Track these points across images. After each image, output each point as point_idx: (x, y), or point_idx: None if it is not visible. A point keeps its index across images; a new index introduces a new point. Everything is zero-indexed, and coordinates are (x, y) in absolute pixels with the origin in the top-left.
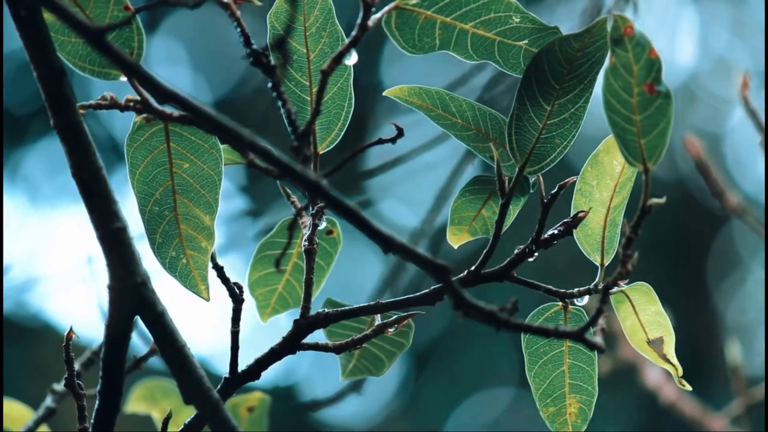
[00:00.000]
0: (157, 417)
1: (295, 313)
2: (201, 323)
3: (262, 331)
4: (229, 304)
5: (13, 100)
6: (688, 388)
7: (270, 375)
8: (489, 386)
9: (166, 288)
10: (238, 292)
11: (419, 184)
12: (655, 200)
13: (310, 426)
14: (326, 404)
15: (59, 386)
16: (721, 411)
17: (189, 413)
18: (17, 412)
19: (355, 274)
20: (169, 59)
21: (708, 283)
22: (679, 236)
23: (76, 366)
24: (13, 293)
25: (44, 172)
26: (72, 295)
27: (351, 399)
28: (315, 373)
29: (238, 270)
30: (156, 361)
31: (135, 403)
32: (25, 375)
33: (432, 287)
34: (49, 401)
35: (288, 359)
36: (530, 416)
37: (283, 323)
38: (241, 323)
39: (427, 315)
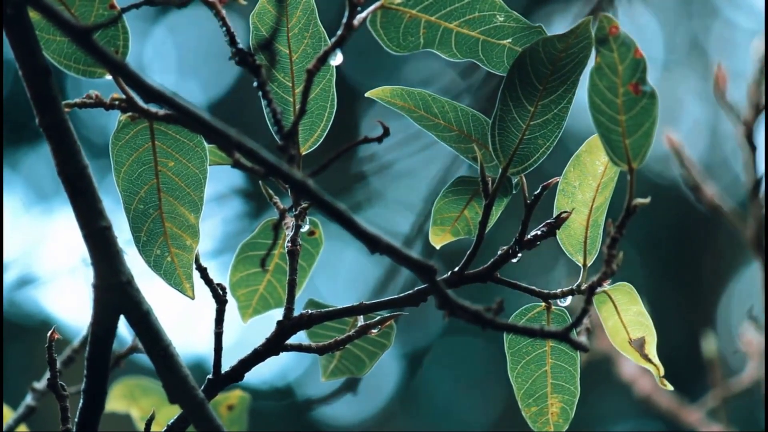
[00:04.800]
0: (137, 415)
1: (279, 311)
2: (195, 322)
3: (253, 331)
4: (213, 306)
5: (13, 100)
6: (669, 387)
7: (266, 375)
8: (484, 386)
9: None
10: (221, 293)
11: (413, 185)
12: (639, 200)
13: (305, 425)
14: (321, 403)
15: (40, 384)
16: (697, 403)
17: (169, 411)
18: None
19: (342, 274)
20: (159, 62)
21: (703, 280)
22: (674, 234)
23: (57, 364)
24: (10, 292)
25: (43, 171)
26: (69, 294)
27: (346, 398)
28: (310, 372)
29: (225, 276)
30: (135, 358)
31: (114, 402)
32: (23, 374)
33: (416, 288)
34: (29, 399)
35: (284, 358)
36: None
37: (273, 323)
38: (228, 326)
39: (420, 314)
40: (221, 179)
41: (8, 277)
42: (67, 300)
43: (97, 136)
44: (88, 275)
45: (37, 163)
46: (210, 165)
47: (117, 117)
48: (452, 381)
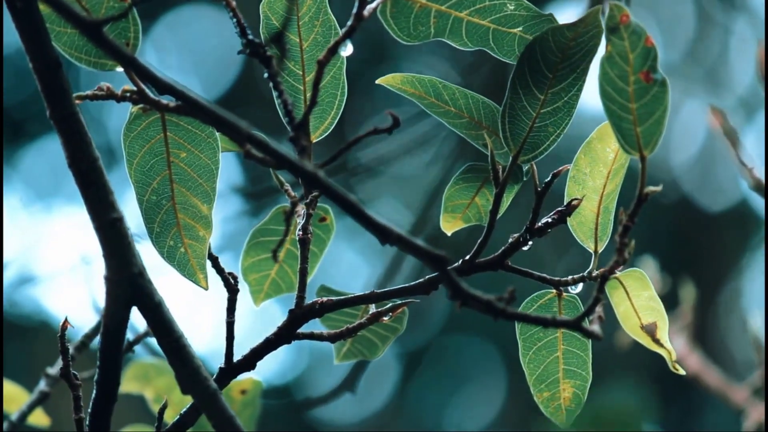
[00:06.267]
0: (150, 397)
1: (289, 299)
2: (200, 321)
3: (260, 323)
4: (224, 299)
5: (12, 100)
6: (682, 372)
7: (266, 373)
8: (482, 386)
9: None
10: (233, 282)
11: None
12: (651, 188)
13: (304, 425)
14: (320, 402)
15: (53, 370)
16: (744, 383)
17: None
18: (12, 393)
19: (349, 261)
20: (161, 58)
21: (703, 282)
22: (673, 237)
23: (70, 351)
24: (9, 291)
25: (42, 171)
26: (69, 293)
27: (345, 398)
28: (310, 371)
29: (234, 270)
30: (143, 347)
31: (128, 383)
32: (22, 372)
33: (427, 276)
34: (42, 385)
35: (284, 357)
36: (523, 416)
37: (281, 313)
38: (239, 317)
39: (421, 314)
40: (221, 177)
41: (7, 276)
42: (67, 299)
43: (97, 135)
44: (88, 274)
45: (37, 161)
46: (222, 152)
47: (115, 112)
48: (450, 380)
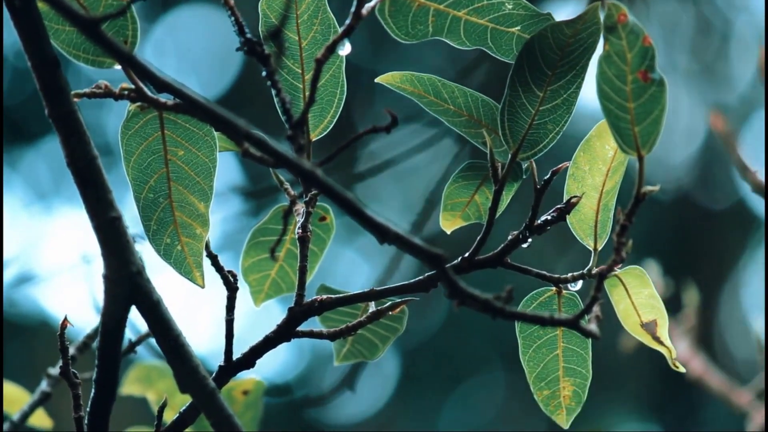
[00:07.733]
0: (152, 399)
1: (289, 298)
2: (199, 320)
3: (260, 321)
4: (223, 298)
5: (12, 100)
6: (682, 369)
7: (266, 371)
8: (481, 385)
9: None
10: (232, 280)
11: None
12: (649, 187)
13: (305, 424)
14: (320, 401)
15: (54, 370)
16: (747, 386)
17: (184, 396)
18: (14, 394)
19: (349, 260)
20: (160, 58)
21: (703, 281)
22: (674, 236)
23: (71, 351)
24: (9, 290)
25: (42, 171)
26: (68, 292)
27: (345, 397)
28: (310, 369)
29: (234, 269)
30: (146, 347)
31: (130, 385)
32: (23, 372)
33: (426, 274)
34: (44, 385)
35: (285, 356)
36: (521, 416)
37: (281, 311)
38: (239, 316)
39: (420, 313)
40: (219, 177)
41: (7, 276)
42: (67, 299)
43: (96, 136)
44: (88, 273)
45: (36, 161)
46: (220, 152)
47: (115, 110)
48: (450, 379)
